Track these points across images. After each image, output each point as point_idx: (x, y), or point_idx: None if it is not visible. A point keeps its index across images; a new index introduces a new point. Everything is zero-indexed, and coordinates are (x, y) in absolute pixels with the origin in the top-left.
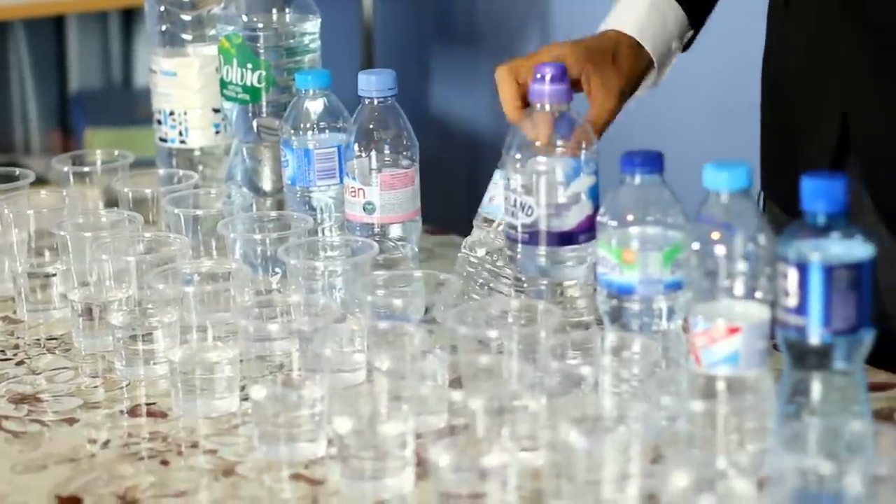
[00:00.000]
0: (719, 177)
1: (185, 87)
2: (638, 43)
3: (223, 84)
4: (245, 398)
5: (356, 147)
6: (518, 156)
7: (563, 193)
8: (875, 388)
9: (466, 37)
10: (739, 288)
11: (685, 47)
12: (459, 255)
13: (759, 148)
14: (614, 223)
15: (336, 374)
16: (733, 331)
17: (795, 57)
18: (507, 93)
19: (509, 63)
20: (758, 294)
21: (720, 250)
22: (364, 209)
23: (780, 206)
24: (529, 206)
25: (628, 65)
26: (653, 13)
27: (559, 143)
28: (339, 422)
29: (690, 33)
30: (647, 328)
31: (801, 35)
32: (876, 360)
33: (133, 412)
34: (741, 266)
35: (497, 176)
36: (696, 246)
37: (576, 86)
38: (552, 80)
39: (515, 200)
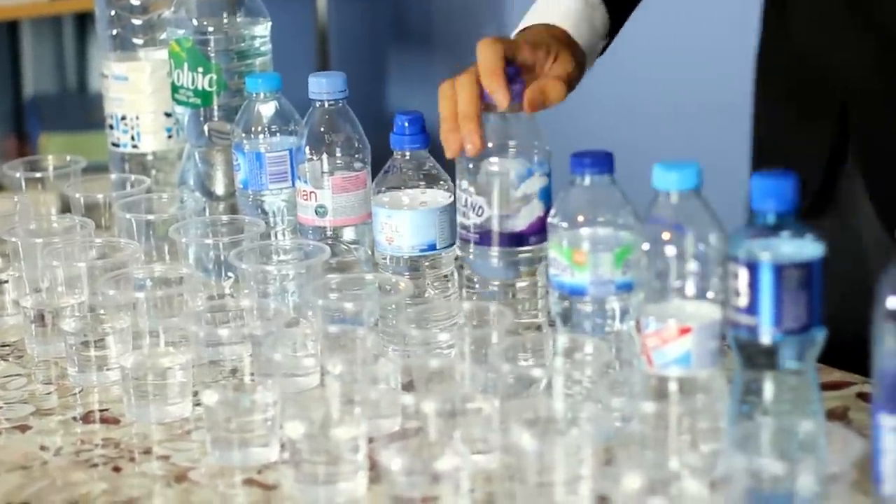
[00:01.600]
0: (668, 177)
1: (137, 91)
2: (573, 40)
3: (174, 88)
4: (198, 403)
5: (307, 150)
6: (469, 161)
7: (515, 194)
8: (829, 387)
9: (422, 38)
10: (691, 288)
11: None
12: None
13: (751, 144)
14: (565, 224)
15: (288, 379)
16: (684, 331)
17: (793, 54)
18: (489, 54)
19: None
20: (709, 294)
21: (670, 251)
22: (316, 212)
23: None
24: (480, 207)
25: (577, 55)
26: (583, 11)
27: (511, 144)
28: (291, 426)
29: (606, 41)
30: (599, 329)
31: (800, 32)
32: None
33: (86, 419)
34: (692, 266)
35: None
36: (646, 247)
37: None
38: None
39: (467, 200)
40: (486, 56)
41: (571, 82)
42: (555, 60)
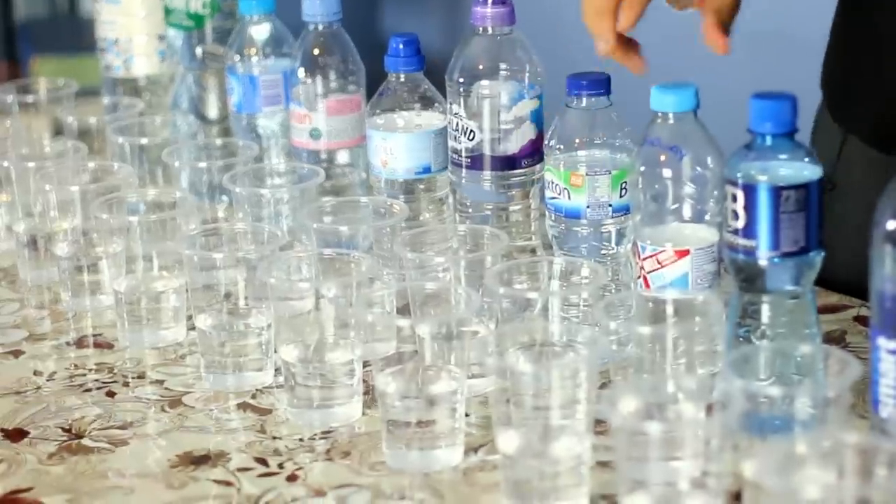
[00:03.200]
0: (666, 98)
1: (130, 14)
2: None
3: (167, 11)
4: (192, 328)
5: (302, 73)
6: (461, 80)
7: (507, 117)
8: (826, 310)
9: None
10: (688, 211)
11: None
12: None
13: (822, 74)
14: (561, 147)
15: (283, 303)
16: (682, 254)
17: None
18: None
19: None
20: (707, 217)
21: (667, 173)
22: (310, 135)
23: (859, 134)
24: (471, 131)
25: None
26: None
27: (502, 66)
28: (285, 350)
29: None
30: (595, 252)
31: None
32: None
33: (79, 343)
34: (689, 188)
35: None
36: (642, 168)
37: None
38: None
39: (458, 124)
40: (600, 26)
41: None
42: None
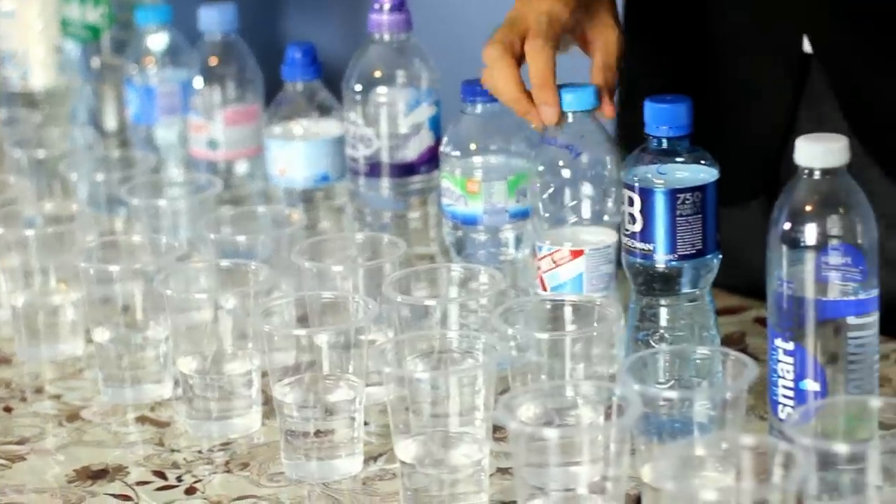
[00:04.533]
0: (564, 98)
1: (26, 26)
2: None
3: (64, 23)
4: (90, 341)
5: (199, 83)
6: (358, 87)
7: (404, 124)
8: (726, 312)
9: None
10: (586, 211)
11: None
12: None
13: None
14: (457, 153)
15: (180, 314)
16: (576, 254)
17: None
18: (505, 77)
19: (498, 38)
20: (605, 217)
21: (564, 172)
22: (209, 145)
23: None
24: (369, 138)
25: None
26: None
27: (399, 73)
28: (183, 362)
29: None
30: (493, 258)
31: None
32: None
33: None
34: (586, 188)
35: None
36: (540, 168)
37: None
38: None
39: (355, 133)
40: (539, 64)
41: (619, 46)
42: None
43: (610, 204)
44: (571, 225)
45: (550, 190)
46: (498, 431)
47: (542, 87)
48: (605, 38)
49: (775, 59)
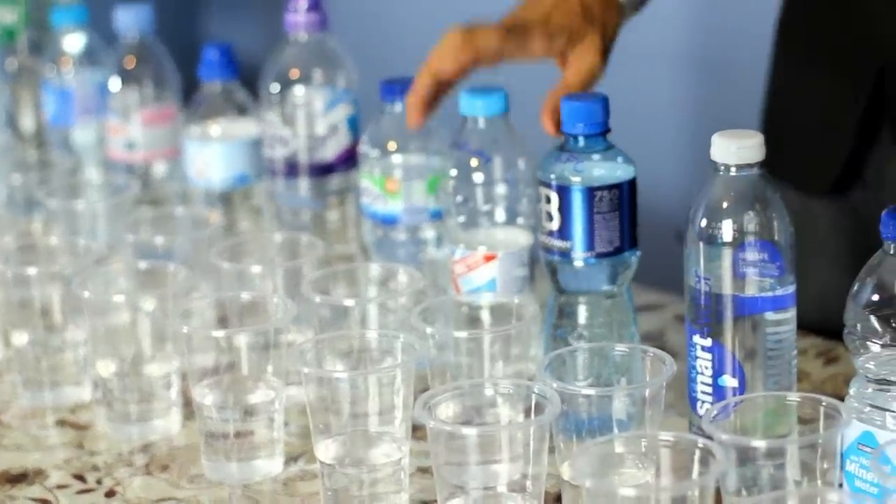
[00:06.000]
0: (475, 103)
1: None
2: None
3: None
4: (7, 345)
5: (116, 84)
6: (275, 87)
7: (321, 124)
8: (645, 308)
9: None
10: (500, 214)
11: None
12: None
13: (765, 104)
14: (376, 153)
15: (99, 317)
16: (489, 258)
17: (828, 5)
18: (441, 57)
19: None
20: (519, 220)
21: (476, 177)
22: (126, 147)
23: (790, 183)
24: (286, 138)
25: (601, 18)
26: None
27: (316, 73)
28: (102, 365)
29: None
30: (413, 257)
31: None
32: None
33: None
34: (500, 192)
35: None
36: (454, 173)
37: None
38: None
39: (273, 133)
40: (438, 61)
41: (594, 73)
42: (575, 45)
43: (524, 206)
44: (485, 228)
45: (463, 194)
46: (418, 430)
47: (411, 93)
48: (581, 63)
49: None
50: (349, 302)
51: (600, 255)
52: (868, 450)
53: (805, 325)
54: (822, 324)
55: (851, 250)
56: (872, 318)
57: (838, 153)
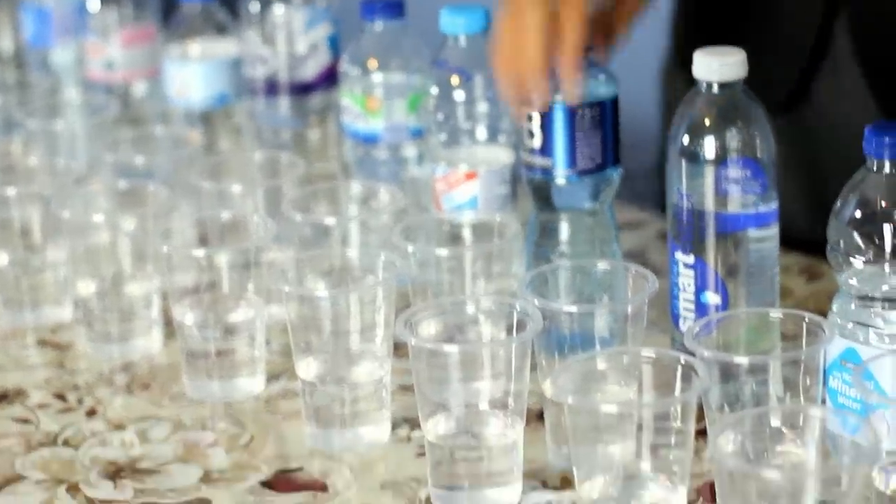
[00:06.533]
0: (456, 20)
1: None
2: None
3: None
4: None
5: (94, 4)
6: (255, 5)
7: (302, 43)
8: (628, 226)
9: None
10: (482, 132)
11: None
12: None
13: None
14: (357, 71)
15: (79, 237)
16: (470, 176)
17: None
18: (538, 46)
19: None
20: (501, 138)
21: (457, 95)
22: (106, 67)
23: None
24: (266, 57)
25: None
26: None
27: None
28: (83, 284)
29: None
30: (395, 176)
31: None
32: None
33: None
34: (482, 110)
35: None
36: (434, 91)
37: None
38: None
39: (252, 52)
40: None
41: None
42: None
43: (505, 124)
44: (466, 146)
45: (444, 112)
46: (400, 349)
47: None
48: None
49: None
50: (330, 220)
51: (582, 173)
52: (851, 366)
53: None
54: (783, 240)
55: (800, 165)
56: (855, 235)
57: (793, 70)
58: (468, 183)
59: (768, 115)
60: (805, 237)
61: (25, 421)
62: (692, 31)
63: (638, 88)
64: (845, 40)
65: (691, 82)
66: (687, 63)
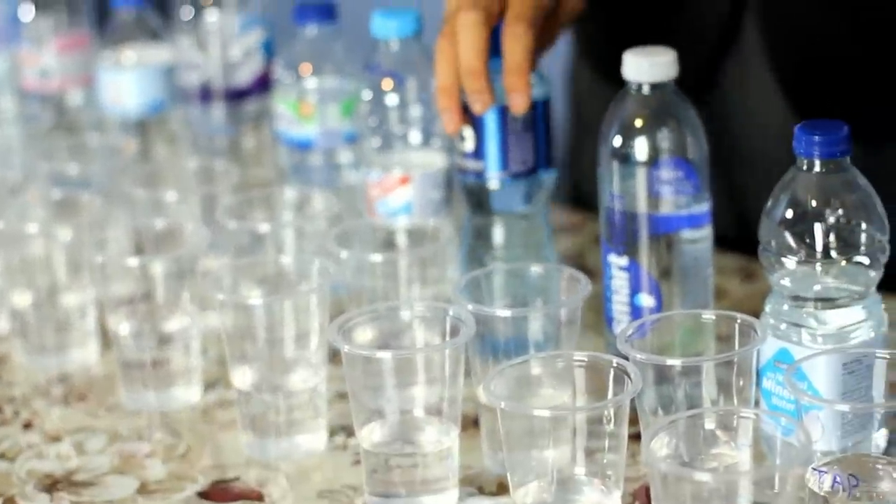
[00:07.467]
0: (388, 25)
1: None
2: None
3: None
4: None
5: (27, 12)
6: (188, 11)
7: (235, 49)
8: (564, 229)
9: None
10: (416, 136)
11: None
12: None
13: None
14: (290, 77)
15: (13, 248)
16: (404, 181)
17: None
18: (475, 48)
19: (482, 5)
20: (434, 142)
21: (392, 100)
22: (41, 75)
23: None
24: (199, 64)
25: None
26: None
27: None
28: (18, 296)
29: None
30: (330, 181)
31: None
32: None
33: None
34: (415, 114)
35: None
36: (367, 95)
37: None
38: None
39: (186, 59)
40: (518, 49)
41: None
42: None
43: (439, 128)
44: (400, 151)
45: (377, 117)
46: (338, 356)
47: (517, 73)
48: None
49: None
50: (264, 227)
51: (514, 175)
52: (784, 366)
53: None
54: None
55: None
56: (787, 235)
57: (699, 58)
58: (402, 188)
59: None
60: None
61: None
62: (599, 21)
63: None
64: (753, 30)
65: (598, 75)
66: (592, 55)
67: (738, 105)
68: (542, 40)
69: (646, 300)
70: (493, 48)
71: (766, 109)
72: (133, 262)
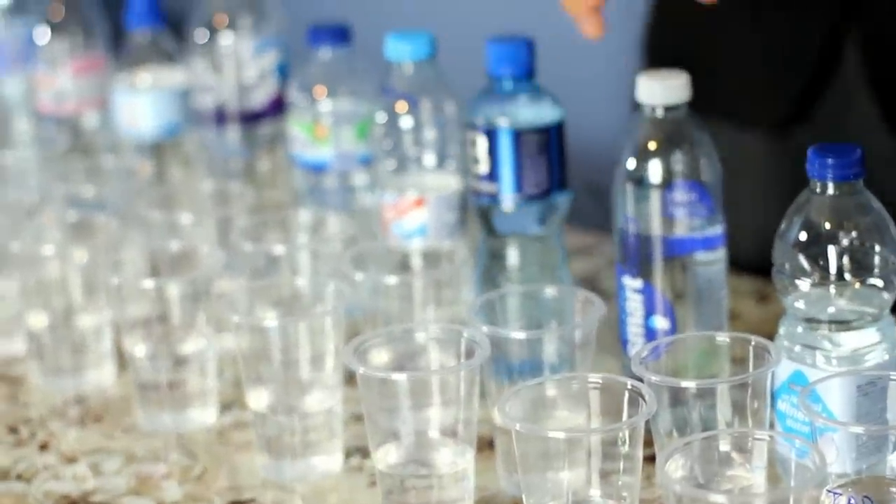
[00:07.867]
0: (402, 48)
1: None
2: None
3: None
4: None
5: (43, 35)
6: (203, 34)
7: (250, 71)
8: (578, 251)
9: None
10: (430, 159)
11: None
12: None
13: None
14: (305, 100)
15: (29, 270)
16: (419, 203)
17: None
18: None
19: None
20: (449, 164)
21: (406, 122)
22: (56, 98)
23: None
24: (213, 87)
25: None
26: None
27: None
28: (34, 317)
29: None
30: (345, 204)
31: None
32: None
33: None
34: (429, 137)
35: None
36: (382, 118)
37: None
38: None
39: (201, 81)
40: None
41: None
42: None
43: (453, 150)
44: (415, 173)
45: (392, 139)
46: (353, 377)
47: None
48: None
49: None
50: (279, 249)
51: (529, 198)
52: (798, 389)
53: (743, 265)
54: (761, 263)
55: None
56: (801, 257)
57: (788, 87)
58: (417, 210)
59: (762, 136)
60: None
61: None
62: (684, 51)
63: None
64: (856, 62)
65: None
66: None
67: (833, 139)
68: None
69: (660, 322)
70: (509, 66)
71: (869, 143)
72: (149, 283)
